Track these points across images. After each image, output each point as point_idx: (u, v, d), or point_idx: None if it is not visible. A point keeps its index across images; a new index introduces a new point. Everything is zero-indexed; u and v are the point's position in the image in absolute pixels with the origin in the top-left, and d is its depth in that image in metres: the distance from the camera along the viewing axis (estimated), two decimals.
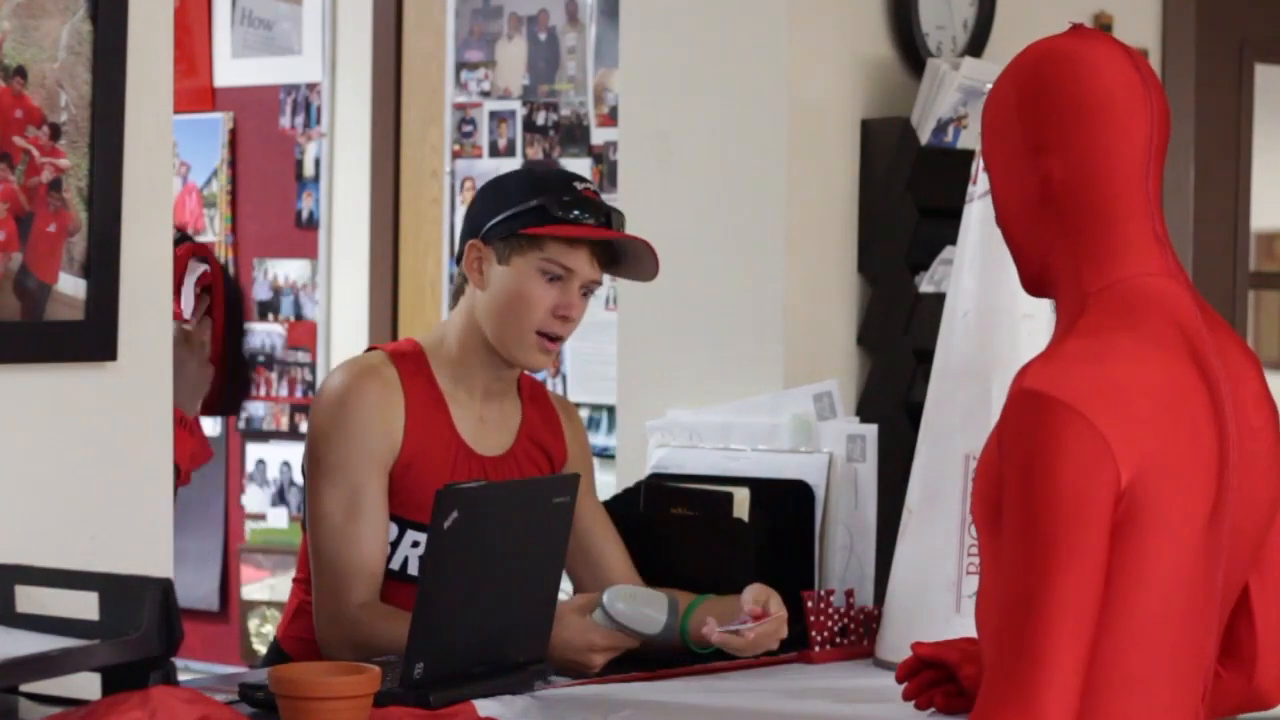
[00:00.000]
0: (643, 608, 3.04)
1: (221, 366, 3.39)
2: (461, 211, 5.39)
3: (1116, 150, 2.26)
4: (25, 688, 2.44)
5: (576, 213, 3.20)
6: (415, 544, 3.21)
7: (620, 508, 3.51)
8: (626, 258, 3.30)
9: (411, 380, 3.21)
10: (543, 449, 3.35)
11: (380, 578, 3.17)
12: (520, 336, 3.21)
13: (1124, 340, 2.19)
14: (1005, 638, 2.13)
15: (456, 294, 3.32)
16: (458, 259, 3.29)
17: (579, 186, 3.23)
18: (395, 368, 3.21)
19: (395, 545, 3.21)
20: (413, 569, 3.21)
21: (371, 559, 3.16)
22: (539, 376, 3.68)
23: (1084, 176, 2.26)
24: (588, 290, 3.25)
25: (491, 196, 3.28)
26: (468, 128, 5.85)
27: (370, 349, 3.34)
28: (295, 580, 3.38)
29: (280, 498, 6.23)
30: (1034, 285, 2.37)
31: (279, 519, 6.24)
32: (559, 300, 3.20)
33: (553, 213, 3.18)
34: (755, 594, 3.17)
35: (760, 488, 3.47)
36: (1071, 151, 2.26)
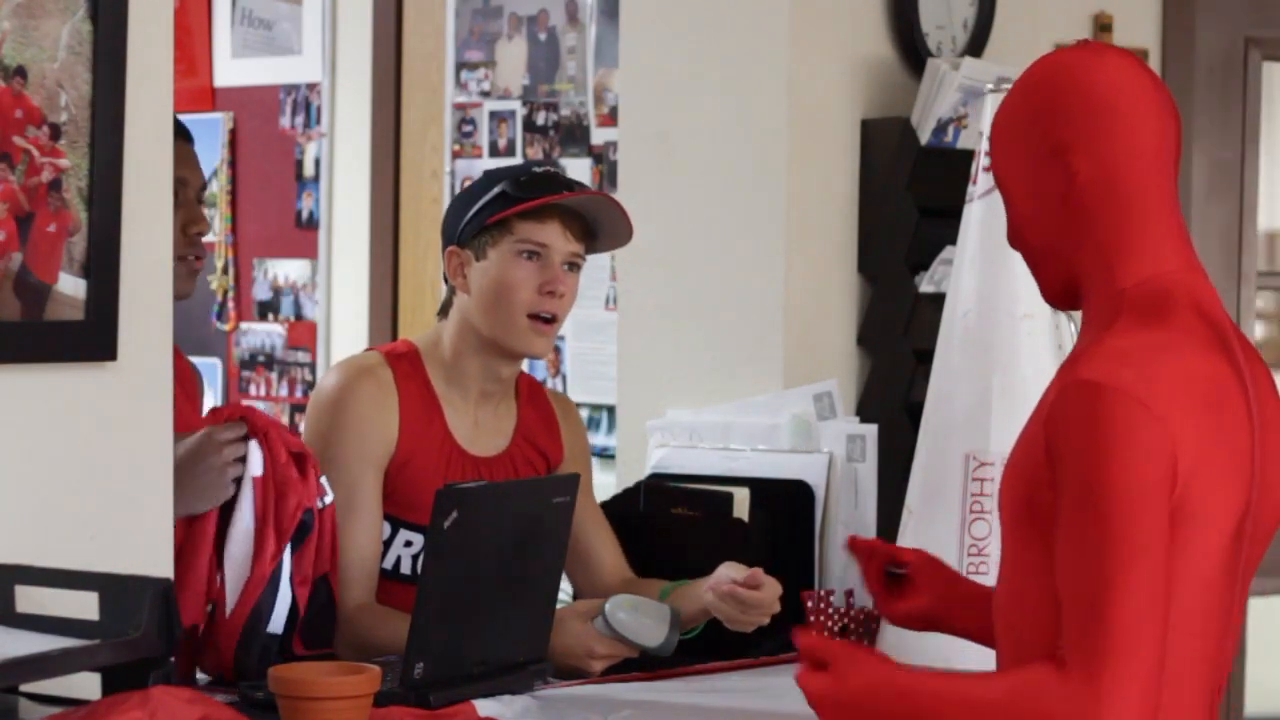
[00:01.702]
0: (644, 619, 3.04)
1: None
2: None
3: (1139, 144, 2.27)
4: (25, 688, 2.44)
5: (536, 188, 3.21)
6: (408, 543, 3.21)
7: (620, 508, 3.51)
8: (602, 230, 3.31)
9: (406, 381, 3.22)
10: (539, 450, 3.35)
11: (375, 577, 3.18)
12: (513, 323, 3.21)
13: (1168, 336, 2.20)
14: (1080, 626, 2.09)
15: (445, 306, 3.32)
16: (445, 278, 3.30)
17: (537, 170, 3.26)
18: (391, 369, 3.22)
19: (388, 544, 3.21)
20: (406, 568, 3.22)
21: (366, 559, 3.16)
22: (538, 375, 3.67)
23: (1111, 170, 2.27)
24: (572, 265, 3.26)
25: (457, 202, 3.31)
26: (468, 128, 5.85)
27: (367, 350, 3.35)
28: None
29: None
30: (1060, 295, 2.36)
31: None
32: (542, 278, 3.21)
33: (514, 194, 3.21)
34: (734, 570, 3.18)
35: (760, 488, 3.47)
36: (1097, 145, 2.26)
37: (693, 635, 3.21)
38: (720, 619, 3.17)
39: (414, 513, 3.19)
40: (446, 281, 3.30)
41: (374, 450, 3.18)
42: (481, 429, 3.29)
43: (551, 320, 3.24)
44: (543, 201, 3.20)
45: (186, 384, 3.25)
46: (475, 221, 3.23)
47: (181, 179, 3.10)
